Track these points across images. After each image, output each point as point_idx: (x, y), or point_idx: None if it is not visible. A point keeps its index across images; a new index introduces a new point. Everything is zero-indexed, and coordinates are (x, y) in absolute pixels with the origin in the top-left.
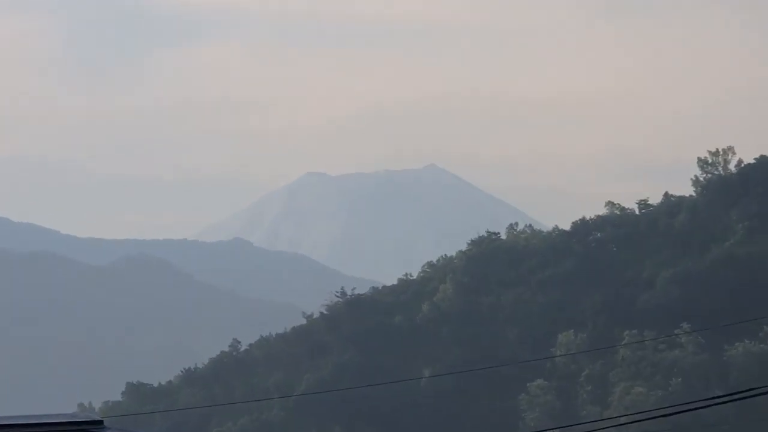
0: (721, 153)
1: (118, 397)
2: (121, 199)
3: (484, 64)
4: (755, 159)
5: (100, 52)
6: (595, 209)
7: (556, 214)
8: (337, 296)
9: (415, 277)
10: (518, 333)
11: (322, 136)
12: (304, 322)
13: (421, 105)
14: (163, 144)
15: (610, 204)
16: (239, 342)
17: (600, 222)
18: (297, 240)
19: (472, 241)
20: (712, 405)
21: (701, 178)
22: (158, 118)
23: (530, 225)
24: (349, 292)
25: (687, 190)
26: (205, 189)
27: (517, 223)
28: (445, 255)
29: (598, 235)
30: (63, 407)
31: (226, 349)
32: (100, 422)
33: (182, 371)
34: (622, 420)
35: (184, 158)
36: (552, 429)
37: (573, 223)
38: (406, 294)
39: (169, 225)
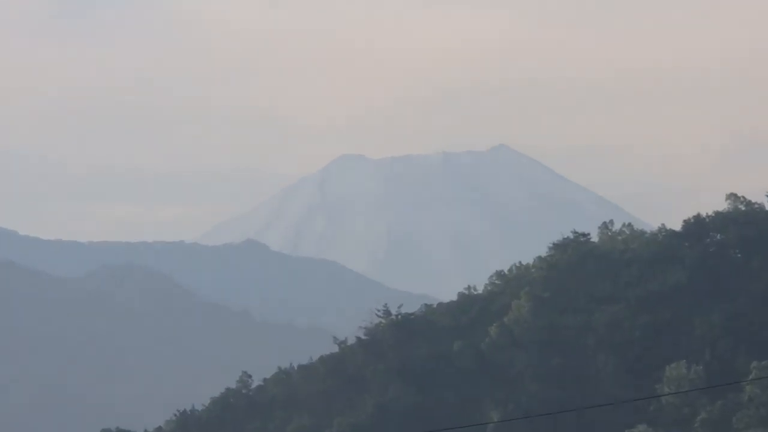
0: None
1: None
2: (101, 192)
3: (571, 31)
4: None
5: (72, 11)
6: (714, 204)
7: (663, 211)
8: (379, 315)
9: (480, 291)
10: (614, 364)
11: (362, 114)
12: (335, 349)
13: (491, 77)
14: (155, 127)
15: (732, 197)
16: (250, 376)
17: (720, 220)
18: (327, 241)
19: (554, 243)
20: None
21: None
22: (149, 93)
23: (629, 224)
24: (394, 311)
25: None
26: (209, 180)
27: (612, 222)
28: (520, 262)
29: (718, 237)
30: None
31: (234, 385)
32: None
33: (176, 414)
34: None
35: (182, 143)
36: None
37: (685, 221)
38: (469, 313)
39: (163, 224)
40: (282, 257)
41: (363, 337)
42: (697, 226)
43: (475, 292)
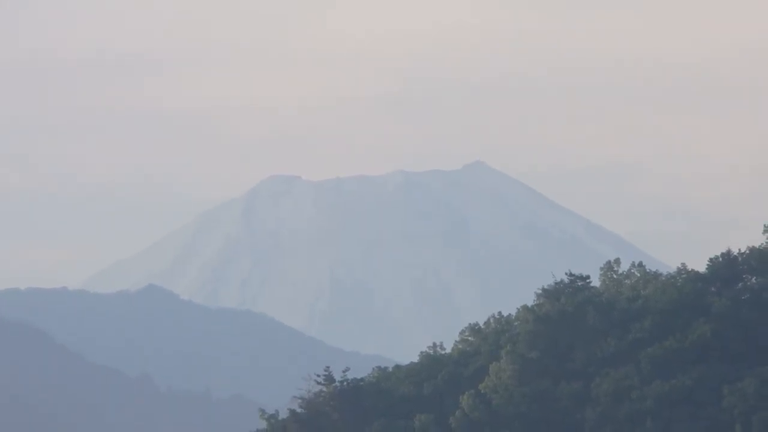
0: None
1: None
2: None
3: (570, 20)
4: None
5: None
6: (748, 238)
7: (684, 247)
8: (319, 382)
9: (448, 351)
10: None
11: (298, 123)
12: (263, 425)
13: (466, 77)
14: (22, 138)
15: None
16: None
17: (756, 259)
18: (252, 288)
19: (543, 289)
20: None
21: None
22: (19, 88)
23: (641, 263)
24: (338, 376)
25: None
26: (99, 207)
27: (619, 260)
28: (499, 313)
29: (753, 280)
30: None
31: None
32: None
33: None
34: None
35: (66, 161)
36: None
37: (711, 260)
38: (435, 379)
39: (39, 266)
40: (194, 308)
41: (299, 410)
42: (726, 266)
43: (443, 352)
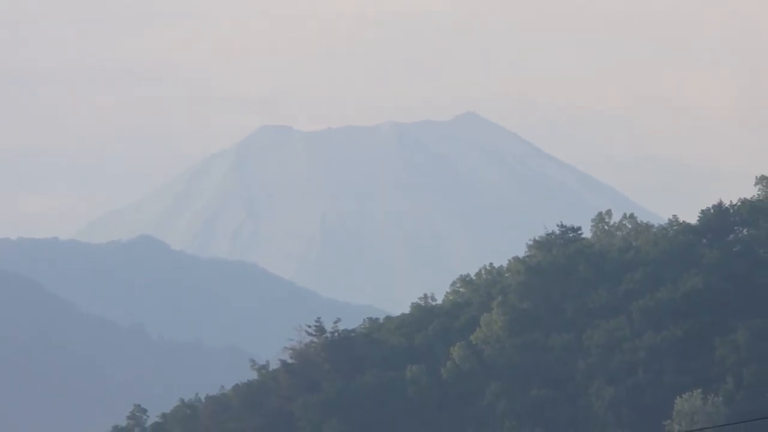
0: None
1: None
2: None
3: None
4: None
5: None
6: (740, 189)
7: (675, 199)
8: (310, 333)
9: (440, 302)
10: (612, 395)
11: (289, 73)
12: (255, 376)
13: (456, 23)
14: (11, 91)
15: (764, 181)
16: (144, 411)
17: (748, 210)
18: (244, 238)
19: (534, 240)
20: None
21: None
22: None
23: (632, 214)
24: (329, 326)
25: None
26: (89, 159)
27: (610, 212)
28: (491, 264)
29: (745, 232)
30: None
31: (123, 422)
32: None
33: None
34: None
35: (48, 112)
36: None
37: (702, 212)
38: (426, 330)
39: (30, 217)
40: (185, 258)
41: (290, 361)
42: (718, 218)
43: (434, 303)
